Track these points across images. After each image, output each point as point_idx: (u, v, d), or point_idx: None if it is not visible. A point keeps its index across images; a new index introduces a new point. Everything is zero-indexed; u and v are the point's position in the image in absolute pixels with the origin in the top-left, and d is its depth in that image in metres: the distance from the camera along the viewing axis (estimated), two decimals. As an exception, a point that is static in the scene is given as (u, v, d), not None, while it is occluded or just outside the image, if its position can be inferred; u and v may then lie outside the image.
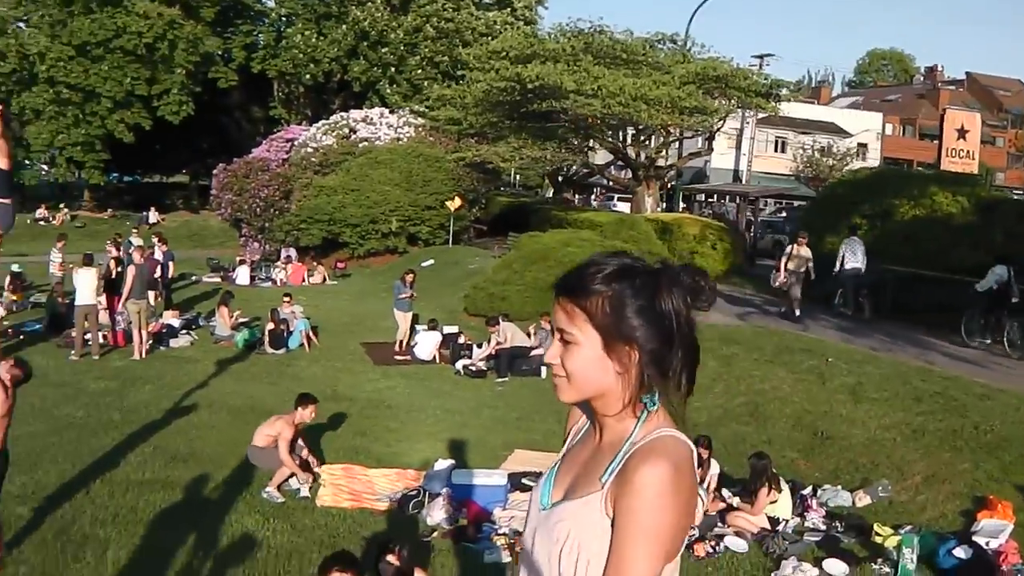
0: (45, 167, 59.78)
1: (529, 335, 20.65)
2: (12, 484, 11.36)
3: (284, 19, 59.66)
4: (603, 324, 2.51)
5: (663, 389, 2.55)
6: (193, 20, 52.81)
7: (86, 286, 19.96)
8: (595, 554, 2.48)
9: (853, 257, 22.64)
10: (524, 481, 11.57)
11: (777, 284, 22.83)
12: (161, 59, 51.64)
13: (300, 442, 12.51)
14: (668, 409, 2.59)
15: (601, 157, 48.36)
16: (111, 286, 22.42)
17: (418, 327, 22.27)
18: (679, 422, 2.58)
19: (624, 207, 51.06)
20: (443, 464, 11.82)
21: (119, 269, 24.15)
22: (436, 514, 10.64)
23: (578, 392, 2.59)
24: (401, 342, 22.30)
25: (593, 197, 73.06)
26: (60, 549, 9.75)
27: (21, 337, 21.98)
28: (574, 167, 51.31)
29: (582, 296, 2.53)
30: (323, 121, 46.56)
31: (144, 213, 53.67)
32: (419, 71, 54.83)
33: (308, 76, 56.46)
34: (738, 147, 61.29)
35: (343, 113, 46.77)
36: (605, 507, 2.48)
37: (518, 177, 75.16)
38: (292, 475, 12.15)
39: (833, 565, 9.98)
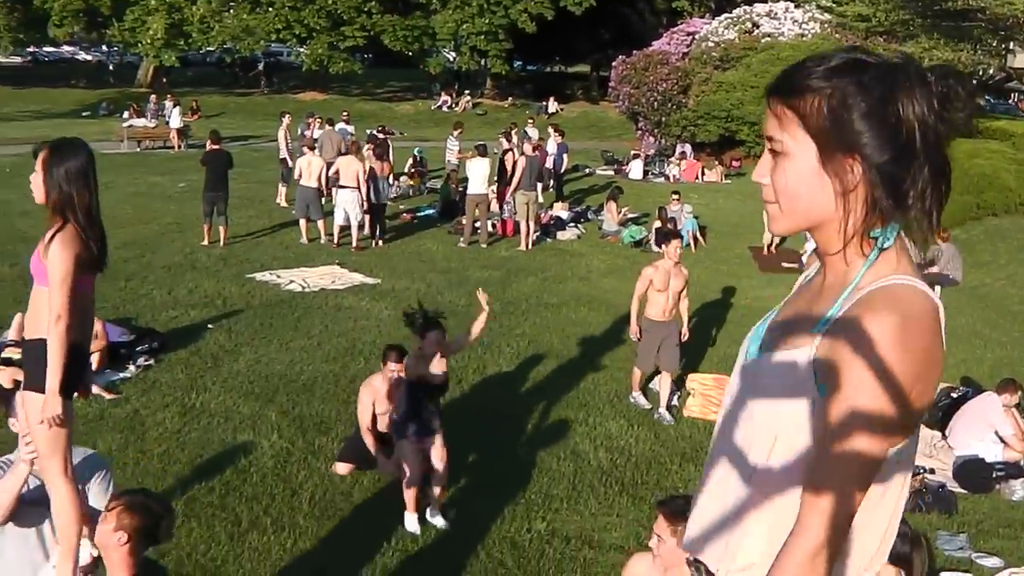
0: (452, 55, 61.55)
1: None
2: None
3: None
4: (819, 128, 2.00)
5: (898, 217, 2.01)
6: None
7: (479, 176, 20.29)
8: (793, 427, 2.03)
9: None
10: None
11: None
12: (565, -52, 51.85)
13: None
14: (910, 250, 2.06)
15: (1021, 61, 45.02)
16: (503, 176, 22.71)
17: (808, 234, 21.35)
18: (920, 265, 2.07)
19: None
20: (820, 384, 11.20)
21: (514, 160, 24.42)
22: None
23: (790, 218, 2.11)
24: (768, 245, 21.82)
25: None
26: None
27: (415, 220, 22.72)
28: (990, 71, 48.02)
29: (795, 94, 2.03)
30: (726, 15, 45.48)
31: (543, 103, 54.44)
32: (828, -38, 52.63)
33: (713, -32, 55.40)
34: None
35: (747, 7, 45.49)
36: (814, 365, 2.00)
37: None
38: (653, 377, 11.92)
39: None
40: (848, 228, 2.04)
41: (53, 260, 5.12)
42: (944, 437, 10.74)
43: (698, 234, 22.05)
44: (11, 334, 11.06)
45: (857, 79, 1.98)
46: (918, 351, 1.91)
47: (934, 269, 18.54)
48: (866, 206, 2.01)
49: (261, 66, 63.28)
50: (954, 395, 11.70)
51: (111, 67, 66.74)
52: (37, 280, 5.30)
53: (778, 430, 2.07)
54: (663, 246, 11.78)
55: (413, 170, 28.09)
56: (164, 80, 56.10)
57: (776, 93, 2.07)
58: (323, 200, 19.74)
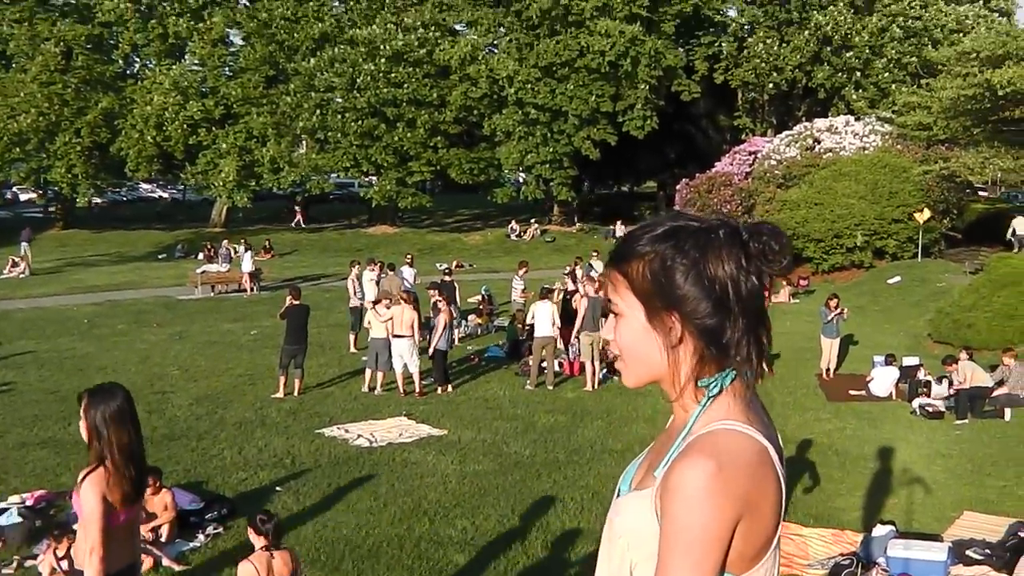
0: (521, 177, 62.26)
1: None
2: (453, 528, 11.83)
3: (746, 28, 59.36)
4: (643, 290, 2.20)
5: (726, 365, 2.18)
6: (654, 35, 53.34)
7: (544, 319, 20.45)
8: (643, 558, 2.16)
9: None
10: (969, 553, 10.63)
11: None
12: (624, 75, 52.52)
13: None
14: (743, 393, 2.21)
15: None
16: (567, 316, 22.84)
17: (876, 359, 21.24)
18: (749, 409, 2.20)
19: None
20: (882, 530, 11.08)
21: (567, 298, 24.41)
22: (869, 588, 10.00)
23: (634, 373, 2.30)
24: (827, 370, 22.02)
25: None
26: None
27: (482, 363, 22.92)
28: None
29: (624, 261, 2.25)
30: (787, 132, 45.93)
31: (611, 227, 54.79)
32: (886, 74, 52.97)
33: (771, 85, 55.79)
34: None
35: (807, 123, 45.98)
36: (655, 505, 2.16)
37: (999, 175, 70.54)
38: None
39: None
40: (678, 379, 2.22)
41: (84, 500, 5.52)
42: (1011, 584, 10.40)
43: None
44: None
45: (674, 243, 2.17)
46: (732, 496, 2.05)
47: (1003, 390, 18.39)
48: (695, 357, 2.19)
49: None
50: (1022, 534, 11.21)
51: (163, 204, 68.20)
52: (78, 514, 5.69)
53: (632, 564, 2.22)
54: None
55: (481, 308, 28.38)
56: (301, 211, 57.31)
57: (610, 261, 2.29)
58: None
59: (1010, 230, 37.86)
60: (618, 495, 2.40)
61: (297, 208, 62.40)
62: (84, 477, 5.53)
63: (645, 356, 2.24)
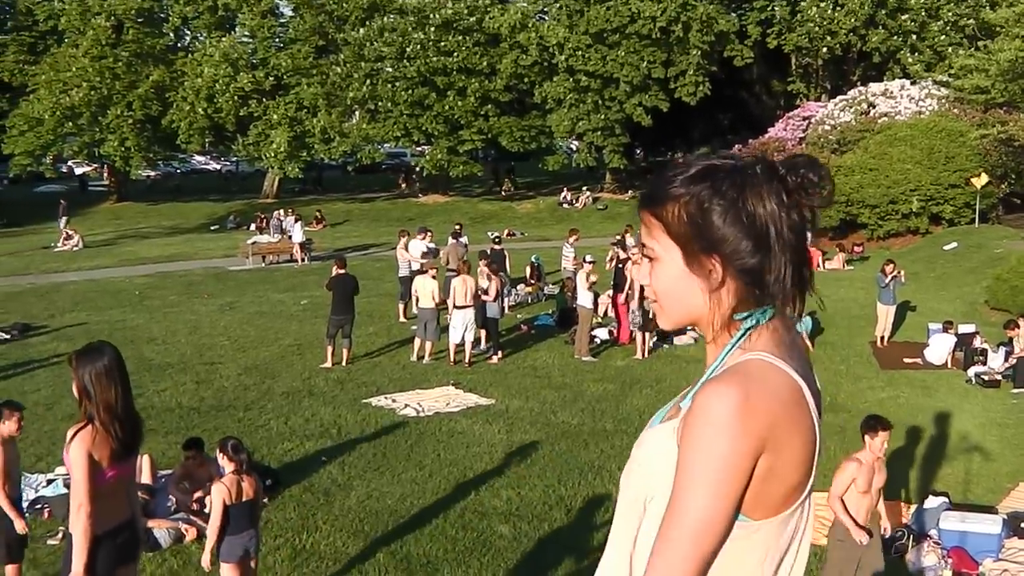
0: (573, 144, 61.98)
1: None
2: (498, 498, 11.74)
3: (798, -8, 58.56)
4: (680, 233, 2.14)
5: (766, 303, 2.13)
6: (705, 0, 52.76)
7: (580, 288, 20.33)
8: (661, 490, 2.05)
9: None
10: (1024, 525, 10.42)
11: None
12: (676, 41, 51.80)
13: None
14: (781, 333, 2.16)
15: None
16: (619, 283, 22.63)
17: (931, 327, 20.88)
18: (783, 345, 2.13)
19: None
20: (934, 501, 10.88)
21: (619, 266, 24.12)
22: (919, 560, 9.79)
23: (669, 316, 2.25)
24: (881, 338, 21.46)
25: None
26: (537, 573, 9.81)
27: (532, 331, 22.77)
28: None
29: (658, 203, 2.17)
30: (841, 97, 45.26)
31: (663, 195, 54.41)
32: (942, 37, 51.71)
33: (825, 49, 54.89)
34: None
35: (862, 88, 45.25)
36: (678, 435, 2.07)
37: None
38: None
39: None
40: (718, 319, 2.14)
41: (72, 457, 5.63)
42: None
43: (806, 337, 20.43)
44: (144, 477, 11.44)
45: (710, 184, 2.11)
46: (756, 426, 1.96)
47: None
48: (736, 297, 2.12)
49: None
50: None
51: (226, 177, 69.16)
52: (68, 471, 5.88)
53: (648, 498, 2.13)
54: (868, 436, 8.76)
55: (530, 278, 28.21)
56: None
57: (643, 203, 2.21)
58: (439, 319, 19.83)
59: None
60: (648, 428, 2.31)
61: (403, 176, 63.34)
62: (73, 435, 5.65)
63: (684, 300, 2.18)
